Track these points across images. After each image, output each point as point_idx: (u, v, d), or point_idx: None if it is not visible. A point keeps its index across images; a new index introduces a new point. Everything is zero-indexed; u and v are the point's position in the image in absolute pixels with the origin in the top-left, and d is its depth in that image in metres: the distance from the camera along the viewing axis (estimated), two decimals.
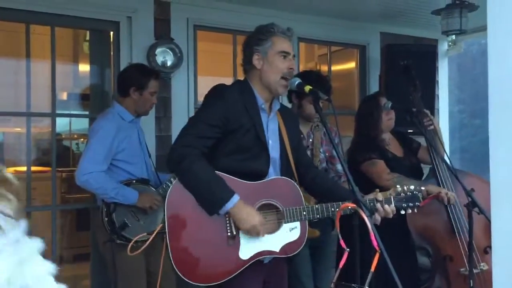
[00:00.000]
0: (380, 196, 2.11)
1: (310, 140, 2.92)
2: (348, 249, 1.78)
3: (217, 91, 2.10)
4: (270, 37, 2.11)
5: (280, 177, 2.13)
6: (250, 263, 1.99)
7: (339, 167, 2.97)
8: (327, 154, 2.97)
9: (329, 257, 2.97)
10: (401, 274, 1.61)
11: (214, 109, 2.02)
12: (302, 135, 2.86)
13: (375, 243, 1.64)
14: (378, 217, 2.08)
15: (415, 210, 2.16)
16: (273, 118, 2.19)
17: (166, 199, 1.94)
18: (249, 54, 2.14)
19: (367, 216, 1.68)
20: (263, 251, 2.02)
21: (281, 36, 2.13)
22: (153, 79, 2.95)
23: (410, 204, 2.13)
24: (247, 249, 1.98)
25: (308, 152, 2.86)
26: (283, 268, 2.24)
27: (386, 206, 2.08)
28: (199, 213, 1.94)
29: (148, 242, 2.02)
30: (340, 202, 2.02)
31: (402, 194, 2.13)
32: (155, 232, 1.95)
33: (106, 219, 2.72)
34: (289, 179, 2.13)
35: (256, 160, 2.07)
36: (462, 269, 2.66)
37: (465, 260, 2.65)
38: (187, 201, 1.94)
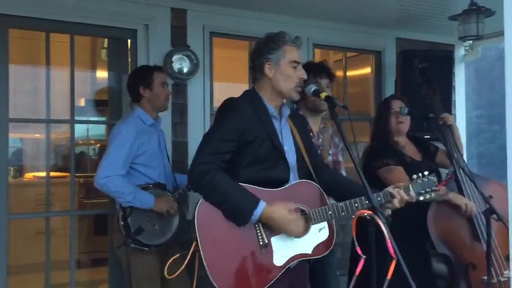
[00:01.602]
0: (399, 185, 2.11)
1: (320, 140, 2.87)
2: (364, 256, 1.77)
3: (229, 105, 2.10)
4: (281, 46, 2.12)
5: (302, 180, 2.15)
6: (285, 268, 2.01)
7: (343, 173, 2.93)
8: (334, 157, 2.93)
9: (334, 268, 2.91)
10: (417, 282, 1.61)
11: (229, 124, 2.03)
12: (311, 134, 2.80)
13: (391, 250, 1.63)
14: (389, 211, 2.07)
15: (433, 195, 2.14)
16: (284, 124, 2.21)
17: (195, 219, 1.94)
18: (260, 63, 2.14)
19: (383, 223, 1.68)
20: (297, 255, 2.04)
21: (291, 45, 2.14)
22: (156, 71, 2.99)
23: (427, 189, 2.12)
24: (281, 255, 2.01)
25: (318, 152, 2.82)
26: (305, 269, 2.25)
27: (403, 192, 2.06)
28: (229, 228, 1.96)
29: (185, 263, 1.98)
30: (363, 197, 2.01)
31: (418, 181, 2.13)
32: (190, 252, 1.95)
33: (122, 223, 2.74)
34: (311, 181, 2.15)
35: (275, 168, 2.08)
36: (485, 277, 2.60)
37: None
38: (216, 219, 1.95)
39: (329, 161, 2.88)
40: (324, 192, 2.14)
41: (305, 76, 2.18)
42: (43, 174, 4.97)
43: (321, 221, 2.06)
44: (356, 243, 1.80)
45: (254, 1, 3.75)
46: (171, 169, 3.09)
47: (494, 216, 2.45)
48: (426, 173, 2.15)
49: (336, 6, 3.92)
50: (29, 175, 5.78)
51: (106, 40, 4.68)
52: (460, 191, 2.86)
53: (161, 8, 3.64)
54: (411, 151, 3.01)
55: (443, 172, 3.10)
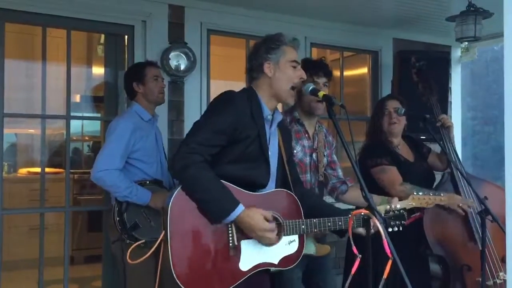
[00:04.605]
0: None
1: (315, 142, 2.80)
2: (359, 255, 1.77)
3: (228, 97, 2.06)
4: (281, 46, 2.12)
5: (282, 189, 2.13)
6: (249, 274, 1.99)
7: (340, 172, 2.88)
8: (329, 158, 2.88)
9: (330, 267, 2.89)
10: (412, 283, 1.61)
11: (224, 117, 1.98)
12: (306, 135, 2.74)
13: (388, 250, 1.63)
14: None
15: (400, 229, 2.20)
16: (274, 130, 2.19)
17: (169, 208, 1.91)
18: (259, 63, 2.13)
19: (380, 223, 1.68)
20: (263, 263, 2.02)
21: (290, 46, 2.15)
22: (148, 66, 3.00)
23: (397, 222, 2.20)
24: (247, 260, 1.98)
25: (314, 156, 2.79)
26: (266, 281, 2.20)
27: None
28: (202, 223, 1.93)
29: (150, 252, 1.98)
30: (336, 218, 2.07)
31: (390, 212, 2.19)
32: (158, 240, 1.94)
33: (117, 218, 2.73)
34: (291, 193, 2.14)
35: (257, 171, 2.07)
36: (480, 279, 2.61)
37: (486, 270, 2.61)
38: (190, 211, 1.92)
39: (324, 162, 2.84)
40: (300, 206, 2.12)
41: (304, 77, 2.17)
42: (37, 169, 4.95)
43: (293, 234, 2.05)
44: (352, 243, 1.80)
45: (252, 0, 3.75)
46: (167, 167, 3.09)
47: (489, 217, 2.46)
48: (399, 206, 2.22)
49: (333, 6, 3.93)
50: (23, 171, 5.75)
51: (102, 36, 4.66)
52: (457, 193, 2.86)
53: (158, 4, 3.63)
54: (404, 151, 3.02)
55: (436, 174, 3.11)
